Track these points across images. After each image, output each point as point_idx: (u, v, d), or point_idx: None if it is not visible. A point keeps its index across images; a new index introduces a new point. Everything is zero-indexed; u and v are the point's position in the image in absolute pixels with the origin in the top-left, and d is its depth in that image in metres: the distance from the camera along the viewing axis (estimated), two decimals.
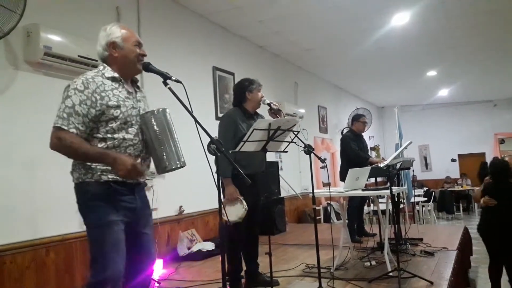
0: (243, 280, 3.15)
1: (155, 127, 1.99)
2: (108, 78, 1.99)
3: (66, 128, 1.85)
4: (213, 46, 5.62)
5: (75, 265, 3.43)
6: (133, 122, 2.01)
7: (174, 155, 2.00)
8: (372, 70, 8.79)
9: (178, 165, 2.01)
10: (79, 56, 3.37)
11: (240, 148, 2.54)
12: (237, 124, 3.07)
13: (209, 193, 4.16)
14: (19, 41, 3.23)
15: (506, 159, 4.20)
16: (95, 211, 1.91)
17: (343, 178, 4.71)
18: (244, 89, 3.20)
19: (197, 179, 4.59)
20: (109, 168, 1.92)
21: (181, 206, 4.69)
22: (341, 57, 7.66)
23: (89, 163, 1.91)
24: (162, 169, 2.01)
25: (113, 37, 2.03)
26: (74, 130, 1.86)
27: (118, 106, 1.95)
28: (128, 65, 2.05)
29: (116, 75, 2.01)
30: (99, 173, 1.92)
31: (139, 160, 2.03)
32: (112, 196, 1.93)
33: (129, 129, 1.99)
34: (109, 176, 1.93)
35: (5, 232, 3.02)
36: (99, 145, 1.93)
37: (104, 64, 2.04)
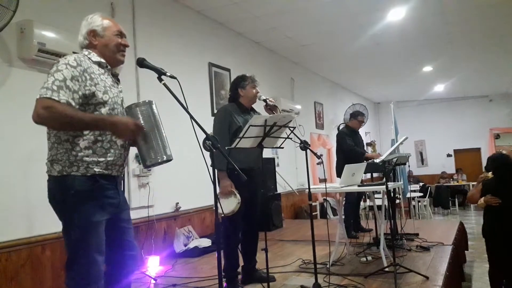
0: (239, 276, 3.15)
1: (141, 119, 1.96)
2: (95, 63, 1.95)
3: (56, 99, 1.72)
4: (209, 42, 5.60)
5: None
6: (119, 110, 1.98)
7: (161, 149, 1.97)
8: (368, 66, 8.79)
9: (164, 159, 1.98)
10: (73, 52, 3.33)
11: (236, 144, 2.53)
12: (232, 116, 3.07)
13: (206, 189, 4.16)
14: (13, 38, 3.21)
15: (504, 152, 3.96)
16: (80, 211, 1.80)
17: (339, 174, 4.73)
18: (236, 85, 3.22)
19: (193, 176, 4.59)
20: (96, 159, 1.85)
21: (178, 203, 4.68)
22: (338, 52, 7.65)
23: (74, 153, 1.81)
24: (148, 163, 1.98)
25: (93, 26, 2.00)
26: (65, 102, 1.75)
27: (105, 92, 1.91)
28: (108, 54, 2.01)
29: (102, 60, 1.98)
30: (85, 165, 1.82)
31: (123, 151, 1.99)
32: (97, 193, 1.85)
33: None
34: (96, 169, 1.84)
35: (0, 230, 3.00)
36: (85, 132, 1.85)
37: (89, 50, 2.00)
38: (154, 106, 2.02)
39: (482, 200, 3.70)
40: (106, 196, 1.90)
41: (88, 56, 1.96)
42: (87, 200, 1.82)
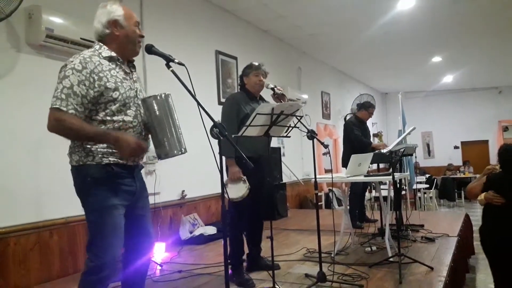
0: (244, 264, 3.18)
1: (157, 112, 1.97)
2: (105, 58, 1.94)
3: (64, 109, 1.80)
4: (216, 30, 5.56)
5: (79, 247, 3.47)
6: (131, 103, 1.98)
7: (175, 142, 1.99)
8: (377, 56, 8.70)
9: (180, 152, 2.01)
10: (81, 38, 3.35)
11: (243, 132, 2.53)
12: (240, 105, 3.08)
13: (212, 178, 4.18)
14: (21, 23, 3.21)
15: None
16: (95, 195, 1.89)
17: (345, 164, 4.71)
18: (242, 73, 3.27)
19: (200, 164, 4.60)
20: (110, 150, 1.90)
21: (184, 191, 4.71)
22: (346, 42, 7.57)
23: (89, 146, 1.88)
24: (163, 155, 2.01)
25: (115, 15, 1.97)
26: (73, 111, 1.81)
27: (116, 88, 1.91)
28: (128, 45, 2.01)
29: (113, 54, 1.97)
30: (100, 155, 1.89)
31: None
32: (112, 180, 1.92)
33: (128, 111, 1.97)
34: (110, 159, 1.91)
35: (9, 215, 3.05)
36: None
37: (100, 43, 1.99)
38: (170, 99, 2.02)
39: (482, 195, 3.16)
40: (121, 183, 1.96)
41: (99, 51, 1.96)
42: (102, 186, 1.90)
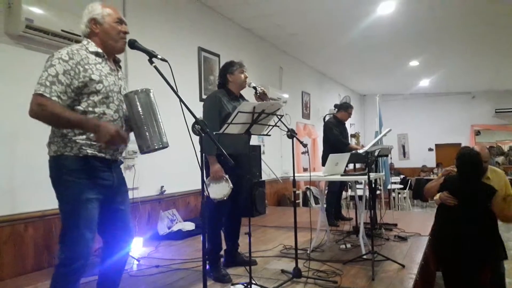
0: (222, 259, 3.21)
1: (139, 107, 2.00)
2: (92, 53, 2.00)
3: (48, 95, 1.83)
4: (199, 27, 5.56)
5: (55, 241, 3.42)
6: (114, 98, 2.03)
7: (157, 136, 2.01)
8: (356, 58, 8.85)
9: (161, 146, 2.03)
10: (62, 30, 3.31)
11: (224, 130, 2.57)
12: (222, 103, 3.10)
13: (191, 174, 4.19)
14: (0, 13, 3.14)
15: (476, 149, 3.28)
16: (70, 187, 1.90)
17: (325, 163, 4.81)
18: (225, 71, 3.24)
19: (179, 160, 4.61)
20: (89, 142, 1.92)
21: (163, 186, 4.71)
22: (327, 44, 7.68)
23: (68, 137, 1.90)
24: (145, 148, 2.02)
25: (94, 14, 2.06)
26: (56, 98, 1.84)
27: (100, 81, 1.96)
28: (109, 42, 2.06)
29: (99, 50, 2.03)
30: (78, 146, 1.91)
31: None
32: (89, 173, 1.93)
33: (110, 105, 2.00)
34: (88, 151, 1.93)
35: None
36: None
37: (88, 39, 2.06)
38: (151, 94, 2.05)
39: (437, 196, 3.28)
40: (98, 176, 1.97)
41: (86, 46, 2.02)
42: (78, 179, 1.91)
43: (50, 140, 1.96)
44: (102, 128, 1.86)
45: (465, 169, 3.18)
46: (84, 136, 1.92)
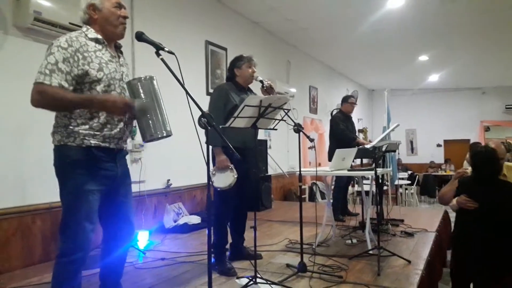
0: (227, 253, 3.22)
1: (142, 94, 1.97)
2: (91, 40, 1.97)
3: (48, 83, 1.82)
4: (207, 20, 5.54)
5: None
6: (116, 85, 2.01)
7: (161, 124, 1.99)
8: (365, 53, 8.78)
9: (164, 134, 2.00)
10: (70, 23, 3.31)
11: (231, 123, 2.56)
12: (228, 95, 3.09)
13: (197, 167, 4.20)
14: (9, 5, 3.16)
15: (492, 146, 3.09)
16: (73, 178, 1.89)
17: (331, 158, 4.79)
18: (232, 65, 3.26)
19: (186, 154, 4.62)
20: (92, 132, 1.91)
21: (169, 180, 4.72)
22: (336, 38, 7.62)
23: (71, 127, 1.89)
24: (148, 137, 2.00)
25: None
26: (56, 85, 1.83)
27: (100, 69, 1.93)
28: (107, 27, 2.03)
29: (99, 36, 2.00)
30: (81, 137, 1.90)
31: (121, 125, 2.02)
32: (92, 163, 1.92)
33: (112, 92, 1.98)
34: (92, 142, 1.91)
35: None
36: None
37: (87, 26, 2.03)
38: (155, 82, 2.03)
39: (454, 201, 3.01)
40: (101, 167, 1.96)
41: (86, 32, 1.99)
42: (81, 169, 1.90)
43: (54, 129, 1.96)
44: (108, 103, 1.87)
45: (482, 168, 2.91)
46: (86, 126, 1.91)
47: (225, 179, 2.92)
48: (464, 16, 6.45)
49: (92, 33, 1.99)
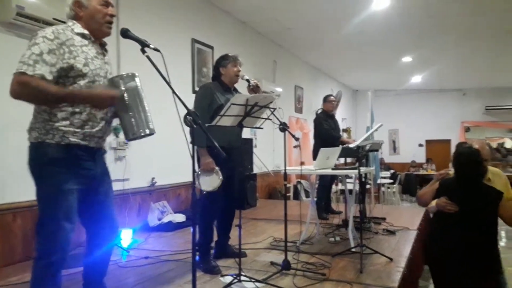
0: (212, 251, 3.22)
1: (124, 93, 1.95)
2: (77, 34, 1.93)
3: (31, 73, 1.73)
4: (194, 18, 5.52)
5: None
6: (101, 82, 1.97)
7: (143, 122, 1.97)
8: (350, 53, 8.86)
9: (147, 132, 1.98)
10: (54, 18, 3.26)
11: (217, 122, 2.56)
12: (213, 94, 3.09)
13: (182, 166, 4.19)
14: None
15: (476, 146, 2.86)
16: (51, 177, 1.83)
17: (315, 157, 4.83)
18: (218, 64, 3.25)
19: (171, 152, 4.60)
20: (73, 129, 1.86)
21: (153, 178, 4.69)
22: (321, 38, 7.67)
23: (51, 123, 1.83)
24: (130, 136, 1.98)
25: None
26: (39, 77, 1.75)
27: (86, 64, 1.89)
28: (94, 25, 1.99)
29: (85, 32, 1.96)
30: (61, 134, 1.84)
31: (103, 123, 1.99)
32: (71, 162, 1.87)
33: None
34: (71, 139, 1.86)
35: None
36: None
37: (73, 21, 1.98)
38: (137, 79, 2.01)
39: (433, 202, 2.84)
40: (80, 166, 1.91)
41: (72, 27, 1.94)
42: (59, 168, 1.84)
43: (31, 126, 1.88)
44: (94, 97, 1.84)
45: (465, 170, 2.74)
46: (67, 122, 1.85)
47: (211, 182, 2.91)
48: (446, 20, 6.58)
49: (78, 28, 1.95)
